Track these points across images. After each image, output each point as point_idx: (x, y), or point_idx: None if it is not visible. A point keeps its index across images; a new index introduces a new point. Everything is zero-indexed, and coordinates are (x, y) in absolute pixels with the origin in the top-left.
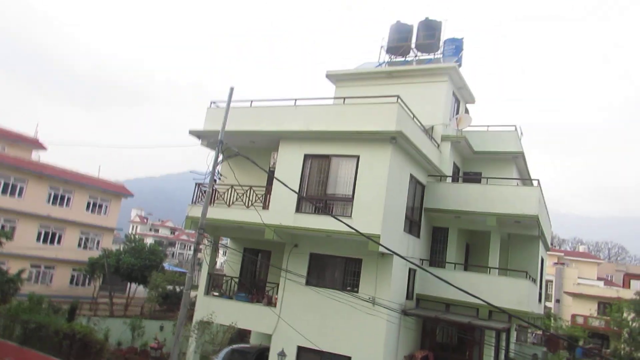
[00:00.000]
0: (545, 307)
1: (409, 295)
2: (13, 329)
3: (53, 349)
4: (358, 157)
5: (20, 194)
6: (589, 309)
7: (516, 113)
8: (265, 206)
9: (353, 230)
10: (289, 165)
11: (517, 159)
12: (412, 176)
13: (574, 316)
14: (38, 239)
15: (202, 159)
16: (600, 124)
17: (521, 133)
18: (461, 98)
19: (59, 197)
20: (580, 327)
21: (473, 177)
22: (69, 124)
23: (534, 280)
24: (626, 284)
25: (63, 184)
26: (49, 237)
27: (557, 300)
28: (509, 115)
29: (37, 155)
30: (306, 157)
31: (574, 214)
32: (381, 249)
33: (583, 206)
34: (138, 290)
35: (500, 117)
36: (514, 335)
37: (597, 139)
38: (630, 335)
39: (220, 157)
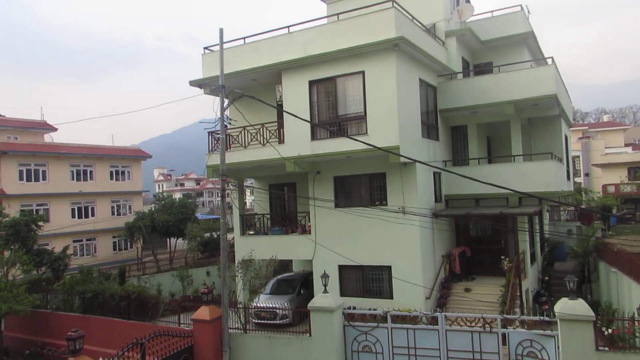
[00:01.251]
0: (574, 183)
1: (437, 198)
2: (72, 301)
3: (112, 311)
4: (363, 73)
5: (44, 177)
6: (619, 177)
7: None
8: (281, 140)
9: (371, 147)
10: (295, 95)
11: (527, 40)
12: (421, 80)
13: (604, 186)
14: (73, 215)
15: (209, 106)
16: None
17: (528, 12)
18: None
19: (81, 172)
20: (612, 196)
21: (484, 69)
22: (70, 97)
23: (560, 160)
24: None
25: (82, 159)
26: (82, 212)
27: (587, 174)
28: None
29: (49, 137)
30: (311, 83)
31: (594, 83)
32: (402, 159)
33: (603, 74)
34: (178, 244)
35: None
36: (546, 216)
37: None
38: None
39: (226, 102)
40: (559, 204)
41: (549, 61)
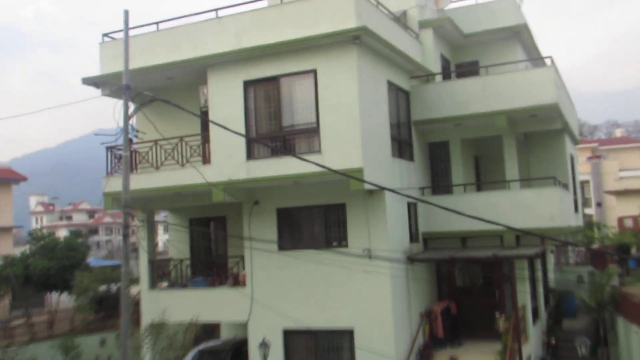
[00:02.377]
0: (584, 215)
1: (413, 237)
2: None
3: None
4: (315, 72)
5: None
6: (639, 207)
7: None
8: (206, 160)
9: (326, 170)
10: (225, 99)
11: (520, 34)
12: (390, 83)
13: (620, 219)
14: None
15: (109, 112)
16: None
17: (520, 0)
18: None
19: None
20: (630, 232)
21: (469, 69)
22: None
23: (565, 186)
24: None
25: None
26: None
27: (598, 204)
28: None
29: None
30: (247, 84)
31: (602, 90)
32: (367, 185)
33: (612, 77)
34: (62, 300)
35: None
36: (551, 259)
37: None
38: None
39: (132, 107)
40: (565, 244)
41: (548, 61)
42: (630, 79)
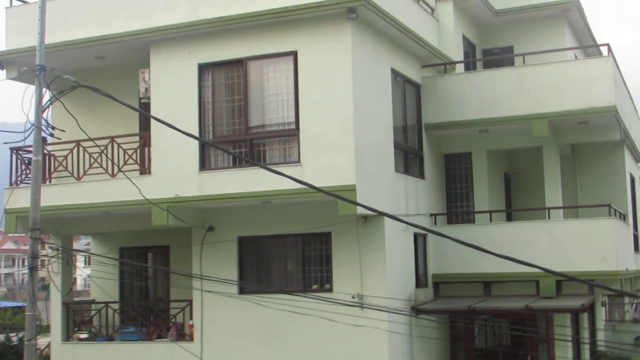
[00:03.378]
0: None
1: (420, 281)
2: None
3: None
4: (295, 54)
5: None
6: None
7: None
8: (145, 168)
9: (307, 186)
10: (173, 88)
11: (568, 12)
12: (395, 72)
13: None
14: None
15: (16, 102)
16: None
17: None
18: None
19: None
20: None
21: (501, 57)
22: None
23: (624, 216)
24: None
25: None
26: None
27: None
28: None
29: None
30: (202, 68)
31: None
32: (360, 209)
33: None
34: None
35: None
36: (601, 314)
37: None
38: None
39: (49, 95)
40: (622, 294)
41: (604, 50)
42: None
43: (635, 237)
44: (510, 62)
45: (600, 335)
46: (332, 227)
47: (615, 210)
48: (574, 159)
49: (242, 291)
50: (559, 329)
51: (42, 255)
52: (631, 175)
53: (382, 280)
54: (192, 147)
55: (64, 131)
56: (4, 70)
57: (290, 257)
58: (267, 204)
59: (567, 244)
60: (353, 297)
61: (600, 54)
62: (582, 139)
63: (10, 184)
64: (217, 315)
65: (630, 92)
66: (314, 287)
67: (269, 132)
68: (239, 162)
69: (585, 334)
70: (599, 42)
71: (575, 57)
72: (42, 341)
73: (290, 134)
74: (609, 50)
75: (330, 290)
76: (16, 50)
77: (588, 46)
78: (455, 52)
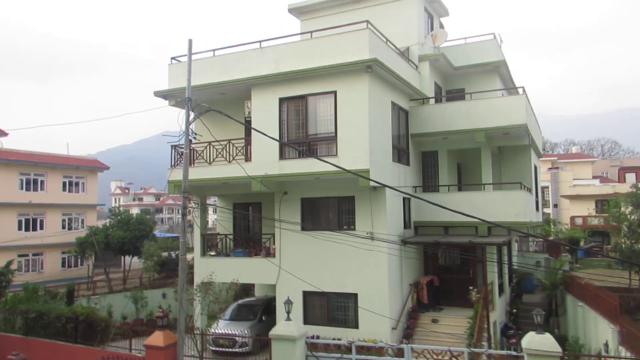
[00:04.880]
0: (543, 214)
1: (406, 225)
2: (14, 321)
3: (58, 334)
4: (335, 93)
5: None
6: (587, 209)
7: (496, 19)
8: (248, 158)
9: (340, 169)
10: (264, 112)
11: (499, 68)
12: (393, 103)
13: (572, 218)
14: (19, 227)
15: (174, 119)
16: (589, 22)
17: (501, 40)
18: (434, 12)
19: (32, 181)
20: (580, 228)
21: (456, 95)
22: (26, 101)
23: (529, 190)
24: (621, 179)
25: (33, 167)
26: (30, 224)
27: (555, 205)
28: (489, 23)
29: None
30: (281, 100)
31: (564, 115)
32: (372, 183)
33: (573, 106)
34: (133, 262)
35: (478, 27)
36: (515, 246)
37: (584, 37)
38: (629, 229)
39: (192, 115)
40: (527, 235)
41: (520, 90)
42: (587, 107)
43: (536, 202)
44: (462, 98)
45: (514, 259)
46: (356, 193)
47: (524, 186)
48: (500, 155)
49: (302, 229)
50: (489, 255)
51: (189, 207)
52: (535, 165)
53: (384, 224)
54: (275, 146)
55: (201, 136)
56: (167, 100)
57: (331, 210)
58: (318, 179)
59: (495, 205)
60: (367, 233)
61: (517, 92)
62: (505, 143)
63: (171, 167)
64: (289, 243)
65: (535, 114)
66: (344, 227)
67: (319, 138)
68: (301, 154)
69: (505, 258)
70: (517, 86)
71: (502, 94)
72: (189, 256)
73: (332, 139)
74: (524, 90)
75: (354, 229)
76: (174, 89)
77: (510, 88)
78: (429, 91)
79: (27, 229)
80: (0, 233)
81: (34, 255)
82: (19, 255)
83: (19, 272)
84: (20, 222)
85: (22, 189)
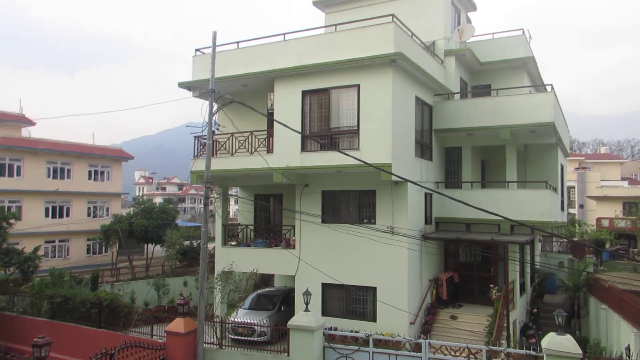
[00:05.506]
0: (568, 214)
1: (427, 220)
2: (40, 305)
3: (82, 318)
4: (358, 86)
5: (18, 173)
6: (614, 211)
7: (526, 14)
8: (270, 150)
9: (362, 163)
10: (287, 104)
11: (527, 64)
12: (417, 98)
13: (599, 220)
14: (46, 214)
15: (197, 110)
16: (621, 17)
17: (530, 36)
18: (461, 7)
19: (58, 170)
20: (606, 230)
21: (482, 91)
22: (53, 91)
23: (555, 189)
24: None
25: (60, 156)
26: (57, 212)
27: (581, 206)
28: (519, 18)
29: (27, 132)
30: (304, 93)
31: (593, 114)
32: (394, 177)
33: (603, 105)
34: (156, 250)
35: (508, 22)
36: (538, 246)
37: (616, 34)
38: None
39: (215, 107)
40: (551, 235)
41: (548, 88)
42: (617, 107)
43: (562, 202)
44: (488, 94)
45: (537, 259)
46: (377, 187)
47: (549, 185)
48: (525, 153)
49: (323, 221)
50: (511, 253)
51: (211, 197)
52: (561, 164)
53: (404, 219)
54: (297, 138)
55: (224, 127)
56: (191, 91)
57: (352, 203)
58: (339, 172)
59: (519, 204)
60: (387, 228)
61: (545, 90)
62: (531, 141)
63: (194, 157)
64: (309, 235)
65: (563, 112)
66: (365, 221)
67: (341, 131)
68: (323, 147)
69: (528, 257)
70: (545, 83)
71: (530, 91)
72: (210, 246)
73: (354, 132)
74: (552, 88)
75: (374, 223)
76: (198, 81)
77: (538, 85)
78: (455, 87)
79: (53, 216)
80: (28, 219)
81: (60, 241)
82: (46, 242)
83: (46, 258)
84: (47, 209)
85: (49, 177)
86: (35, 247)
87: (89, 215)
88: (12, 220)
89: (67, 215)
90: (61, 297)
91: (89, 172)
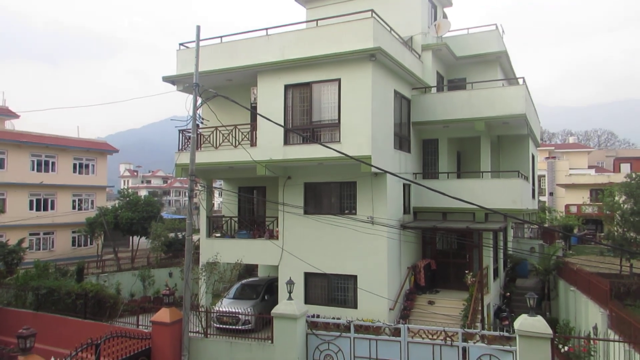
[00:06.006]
0: (539, 201)
1: (406, 210)
2: (25, 297)
3: (68, 309)
4: (339, 80)
5: (2, 166)
6: (582, 197)
7: (499, 7)
8: (253, 143)
9: (343, 155)
10: (270, 98)
11: (500, 58)
12: (396, 92)
13: (567, 206)
14: (31, 207)
15: (182, 103)
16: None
17: (503, 31)
18: (438, 2)
19: (43, 163)
20: (574, 216)
21: (458, 84)
22: (35, 83)
23: (526, 178)
24: (616, 169)
25: (44, 149)
26: (41, 204)
27: (551, 194)
28: (492, 11)
29: (10, 124)
30: (287, 87)
31: (562, 105)
32: (373, 169)
33: (571, 96)
34: (141, 242)
35: (481, 17)
36: (511, 233)
37: (584, 25)
38: (622, 217)
39: (199, 101)
40: (523, 222)
41: (520, 81)
42: (584, 99)
43: (533, 190)
44: (463, 87)
45: (510, 245)
46: (357, 178)
47: (521, 174)
48: (499, 144)
49: (305, 212)
50: (485, 240)
51: (195, 190)
52: (532, 154)
53: (384, 209)
54: (280, 132)
55: (208, 121)
56: (175, 85)
57: (333, 194)
58: (321, 164)
59: (492, 192)
60: (368, 218)
61: (517, 83)
62: (504, 132)
63: (178, 150)
64: (292, 226)
65: (534, 105)
66: (346, 211)
67: (323, 124)
68: (305, 140)
69: (501, 244)
70: (517, 76)
71: (503, 85)
72: (195, 237)
73: (335, 125)
74: (524, 81)
75: (355, 213)
76: (182, 75)
77: (510, 78)
78: (432, 80)
79: (38, 209)
80: (13, 212)
81: (45, 234)
82: (31, 234)
83: (31, 250)
84: (31, 202)
85: (33, 170)
86: (19, 239)
87: (74, 207)
88: None
89: (52, 208)
90: (46, 288)
91: (74, 165)
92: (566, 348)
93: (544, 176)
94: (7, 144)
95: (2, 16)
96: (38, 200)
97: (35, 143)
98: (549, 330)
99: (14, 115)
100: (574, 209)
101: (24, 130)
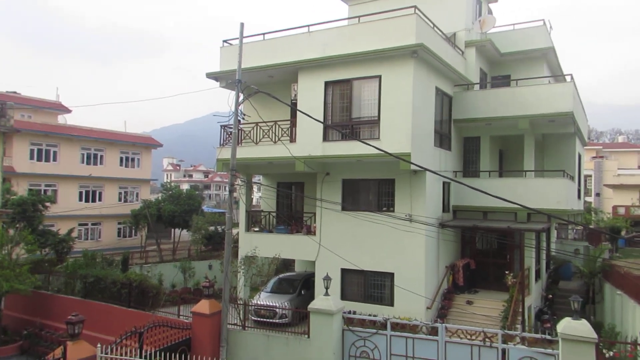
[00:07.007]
0: (585, 202)
1: (445, 208)
2: (74, 285)
3: (113, 298)
4: (380, 77)
5: (54, 158)
6: (631, 199)
7: (552, 5)
8: (293, 139)
9: (382, 152)
10: (310, 95)
11: (547, 55)
12: (437, 89)
13: (615, 207)
14: (80, 198)
15: (224, 99)
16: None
17: (550, 27)
18: None
19: (92, 156)
20: (622, 218)
21: (502, 81)
22: (87, 80)
23: (572, 178)
24: None
25: (93, 143)
26: (90, 196)
27: (598, 194)
28: (540, 6)
29: (63, 119)
30: (327, 84)
31: (611, 104)
32: (413, 166)
33: (621, 95)
34: (182, 235)
35: (528, 12)
36: (554, 234)
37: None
38: None
39: (241, 97)
40: (567, 223)
41: (568, 78)
42: (635, 97)
43: (579, 190)
44: (507, 84)
45: (553, 246)
46: (396, 176)
47: (567, 173)
48: (543, 142)
49: (343, 209)
50: (527, 241)
51: (236, 184)
52: (579, 153)
53: (422, 207)
54: (319, 128)
55: (249, 116)
56: (218, 82)
57: (371, 191)
58: (360, 161)
59: (535, 192)
60: (406, 215)
61: (565, 80)
62: (549, 130)
63: (220, 145)
64: (329, 222)
65: (582, 102)
66: (384, 208)
67: (362, 121)
68: (345, 137)
69: (544, 245)
70: (565, 73)
71: (549, 82)
72: (234, 231)
73: (374, 122)
74: (571, 78)
75: (393, 211)
76: (225, 71)
77: (557, 75)
78: (475, 77)
79: (87, 200)
80: (63, 203)
81: (92, 224)
82: (80, 224)
83: (79, 240)
84: (81, 193)
85: (83, 162)
86: (69, 229)
87: (119, 200)
88: (48, 203)
89: (100, 199)
90: (93, 277)
91: (121, 159)
92: (611, 353)
93: (590, 176)
94: (60, 137)
95: (59, 17)
96: (87, 192)
97: (85, 137)
98: (594, 335)
99: (67, 110)
100: (622, 211)
101: (75, 124)
